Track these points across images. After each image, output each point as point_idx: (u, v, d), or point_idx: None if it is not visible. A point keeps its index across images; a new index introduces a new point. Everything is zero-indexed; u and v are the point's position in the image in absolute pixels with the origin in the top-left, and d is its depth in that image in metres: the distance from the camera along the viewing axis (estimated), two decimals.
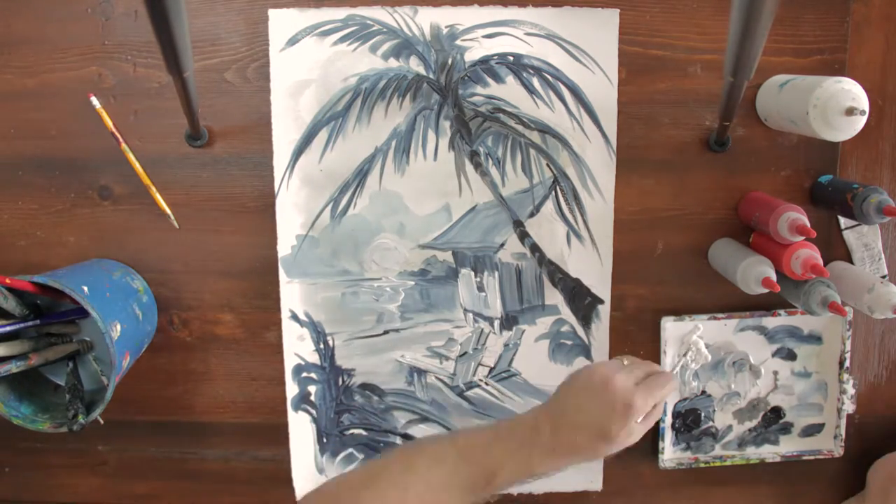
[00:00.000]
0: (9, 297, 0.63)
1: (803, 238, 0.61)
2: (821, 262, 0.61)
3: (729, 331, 0.73)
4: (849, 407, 0.75)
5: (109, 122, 0.68)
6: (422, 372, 0.74)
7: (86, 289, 0.61)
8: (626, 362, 0.59)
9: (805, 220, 0.61)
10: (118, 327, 0.62)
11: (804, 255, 0.62)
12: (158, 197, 0.70)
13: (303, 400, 0.74)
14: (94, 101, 0.68)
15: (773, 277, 0.62)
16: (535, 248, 0.72)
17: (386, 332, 0.73)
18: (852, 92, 0.57)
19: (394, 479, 0.55)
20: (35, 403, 0.67)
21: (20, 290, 0.63)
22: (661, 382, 0.57)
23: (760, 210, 0.65)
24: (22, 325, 0.65)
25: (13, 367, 0.63)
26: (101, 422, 0.65)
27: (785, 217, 0.62)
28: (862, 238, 0.72)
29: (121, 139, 0.68)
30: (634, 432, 0.55)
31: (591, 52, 0.68)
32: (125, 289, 0.68)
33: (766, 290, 0.62)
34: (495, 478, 0.55)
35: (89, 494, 0.77)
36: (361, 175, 0.70)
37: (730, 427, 0.76)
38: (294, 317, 0.73)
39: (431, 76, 0.69)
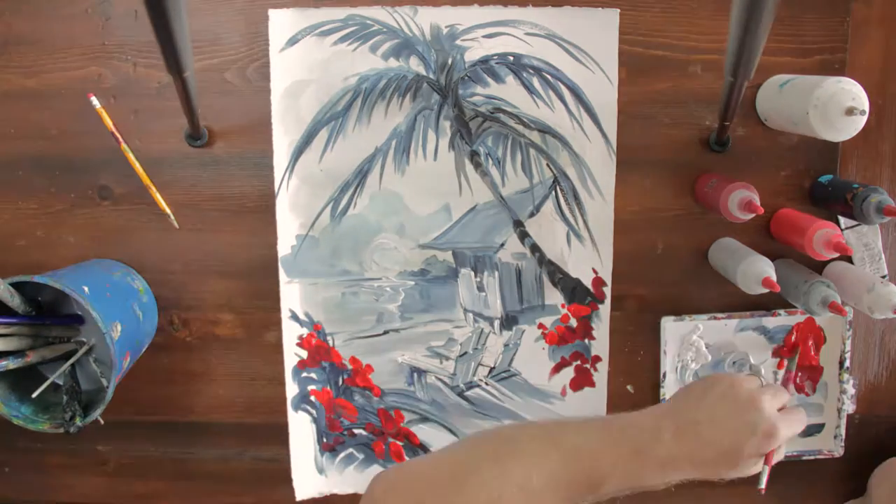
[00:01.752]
0: (15, 295, 0.63)
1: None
2: (843, 240, 0.60)
3: (729, 331, 0.73)
4: (849, 407, 0.75)
5: (109, 122, 0.68)
6: (422, 372, 0.74)
7: (86, 289, 0.61)
8: (762, 382, 0.53)
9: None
10: (119, 327, 0.62)
11: (826, 234, 0.61)
12: (158, 197, 0.70)
13: (303, 400, 0.74)
14: (94, 101, 0.68)
15: (774, 277, 0.62)
16: (535, 248, 0.72)
17: (386, 332, 0.73)
18: (852, 92, 0.57)
19: (485, 482, 0.47)
20: (35, 403, 0.67)
21: (24, 289, 0.63)
22: (802, 418, 0.52)
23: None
24: (19, 319, 0.65)
25: (10, 364, 0.63)
26: (102, 422, 0.65)
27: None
28: (862, 238, 0.72)
29: (121, 139, 0.68)
30: (759, 465, 0.51)
31: (591, 52, 0.68)
32: (125, 289, 0.68)
33: (766, 290, 0.62)
34: (601, 487, 0.48)
35: (89, 494, 0.77)
36: (361, 175, 0.70)
37: None
38: (294, 317, 0.73)
39: (431, 76, 0.69)
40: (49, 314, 0.69)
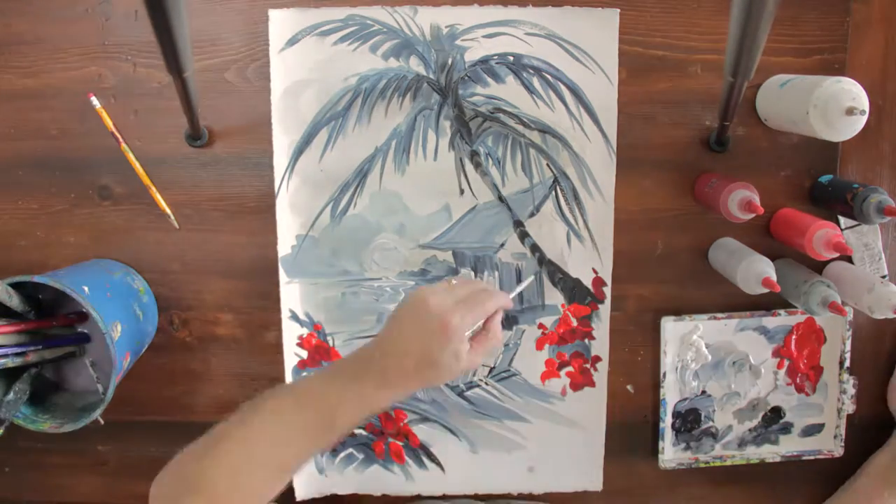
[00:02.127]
0: (13, 295, 0.63)
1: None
2: (843, 240, 0.61)
3: (729, 331, 0.73)
4: (849, 407, 0.75)
5: (109, 122, 0.68)
6: None
7: (86, 289, 0.61)
8: (453, 282, 0.57)
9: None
10: (119, 327, 0.62)
11: (826, 234, 0.61)
12: (158, 197, 0.70)
13: None
14: (94, 100, 0.68)
15: (774, 277, 0.62)
16: (535, 248, 0.72)
17: None
18: (852, 92, 0.57)
19: (234, 441, 0.52)
20: (35, 403, 0.67)
21: (24, 289, 0.63)
22: (482, 299, 0.55)
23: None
24: (23, 324, 0.65)
25: (9, 362, 0.63)
26: (101, 422, 0.65)
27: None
28: (862, 238, 0.72)
29: (121, 139, 0.68)
30: (462, 356, 0.53)
31: (591, 52, 0.68)
32: (126, 289, 0.68)
33: (766, 290, 0.62)
34: (335, 419, 0.53)
35: (89, 494, 0.77)
36: (361, 175, 0.70)
37: (730, 427, 0.76)
38: (294, 317, 0.73)
39: (431, 76, 0.69)
40: (49, 314, 0.69)
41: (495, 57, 0.69)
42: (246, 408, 0.55)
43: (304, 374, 0.74)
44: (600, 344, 0.74)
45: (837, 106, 0.56)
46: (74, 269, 0.68)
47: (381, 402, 0.55)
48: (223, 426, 0.54)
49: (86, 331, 0.70)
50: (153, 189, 0.70)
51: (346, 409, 0.53)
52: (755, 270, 0.63)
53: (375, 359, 0.54)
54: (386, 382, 0.54)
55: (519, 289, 0.66)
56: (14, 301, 0.63)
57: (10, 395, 0.65)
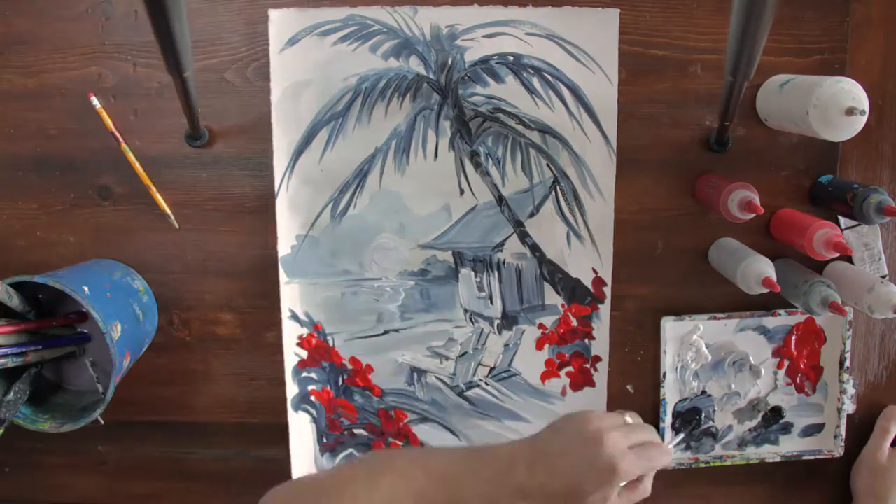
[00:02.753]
0: (13, 295, 0.63)
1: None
2: (843, 240, 0.60)
3: (729, 331, 0.73)
4: (849, 407, 0.75)
5: (109, 122, 0.68)
6: (422, 372, 0.74)
7: (86, 289, 0.61)
8: (628, 420, 0.55)
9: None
10: (119, 327, 0.62)
11: (826, 234, 0.61)
12: (158, 197, 0.70)
13: (303, 400, 0.74)
14: (94, 100, 0.68)
15: (774, 277, 0.62)
16: (535, 248, 0.72)
17: (386, 332, 0.73)
18: (852, 92, 0.57)
19: (357, 494, 0.52)
20: (35, 403, 0.67)
21: (24, 288, 0.63)
22: (658, 454, 0.53)
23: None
24: (23, 324, 0.65)
25: (9, 362, 0.63)
26: (101, 422, 0.65)
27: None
28: (862, 238, 0.72)
29: (121, 139, 0.68)
30: (610, 502, 0.50)
31: (591, 52, 0.68)
32: (126, 289, 0.68)
33: (766, 290, 0.62)
34: None
35: (89, 494, 0.77)
36: (361, 175, 0.70)
37: (730, 427, 0.76)
38: (294, 317, 0.73)
39: (431, 76, 0.69)
40: (49, 314, 0.69)
41: (495, 57, 0.69)
42: (377, 462, 0.55)
43: (304, 373, 0.74)
44: (600, 344, 0.74)
45: (837, 106, 0.56)
46: (74, 269, 0.68)
47: None
48: (351, 472, 0.55)
49: (86, 331, 0.70)
50: (153, 189, 0.70)
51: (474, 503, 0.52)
52: (755, 270, 0.63)
53: (520, 467, 0.52)
54: (525, 493, 0.51)
55: (674, 441, 0.69)
56: (14, 301, 0.63)
57: (11, 395, 0.65)
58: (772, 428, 0.76)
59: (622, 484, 0.51)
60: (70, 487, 0.77)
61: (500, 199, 0.71)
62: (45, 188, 0.70)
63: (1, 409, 0.64)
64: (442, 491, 0.52)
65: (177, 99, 0.58)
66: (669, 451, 0.55)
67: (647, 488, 0.54)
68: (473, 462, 0.54)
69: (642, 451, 0.52)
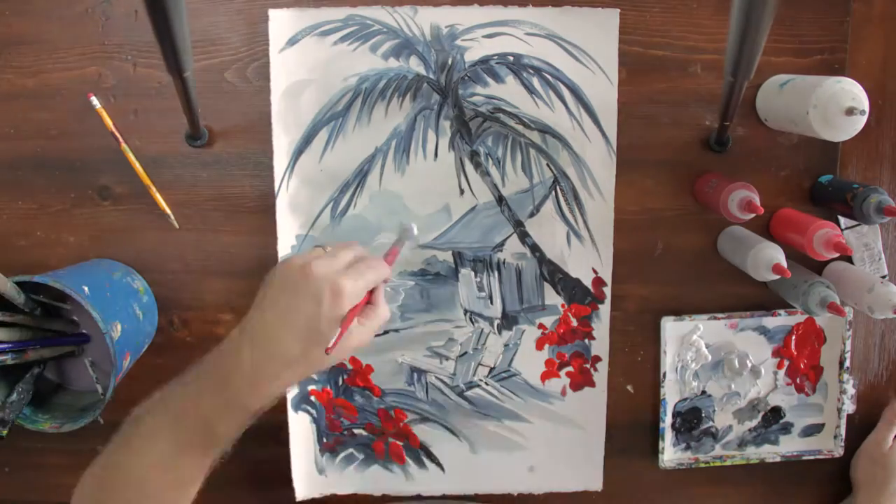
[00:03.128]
0: (21, 293, 0.63)
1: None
2: (843, 240, 0.60)
3: (729, 331, 0.73)
4: (849, 407, 0.75)
5: (109, 122, 0.68)
6: (422, 372, 0.74)
7: (86, 289, 0.61)
8: (328, 248, 0.51)
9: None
10: (119, 327, 0.62)
11: (826, 234, 0.61)
12: (158, 197, 0.70)
13: (303, 400, 0.74)
14: (94, 101, 0.68)
15: (784, 263, 0.62)
16: (535, 248, 0.72)
17: (386, 332, 0.73)
18: (852, 92, 0.57)
19: (123, 471, 0.49)
20: (35, 403, 0.67)
21: (24, 288, 0.63)
22: (372, 265, 0.50)
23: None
24: (20, 316, 0.65)
25: (8, 360, 0.63)
26: (101, 421, 0.65)
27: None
28: (862, 238, 0.72)
29: (121, 139, 0.68)
30: (352, 330, 0.47)
31: (591, 52, 0.68)
32: (126, 289, 0.68)
33: (776, 277, 0.62)
34: (215, 433, 0.48)
35: None
36: (361, 175, 0.70)
37: (730, 427, 0.76)
38: None
39: (431, 76, 0.69)
40: (49, 314, 0.69)
41: (495, 57, 0.69)
42: (127, 429, 0.51)
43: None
44: (600, 344, 0.74)
45: (837, 106, 0.56)
46: (74, 270, 0.68)
47: (257, 401, 0.48)
48: (112, 453, 0.51)
49: (85, 331, 0.70)
50: (153, 189, 0.70)
51: (224, 420, 0.48)
52: (765, 257, 0.63)
53: (244, 353, 0.47)
54: (260, 378, 0.47)
55: (402, 248, 0.61)
56: (21, 299, 0.63)
57: (14, 396, 0.65)
58: (772, 428, 0.76)
59: (351, 306, 0.48)
60: (70, 487, 0.77)
61: (500, 199, 0.71)
62: (45, 188, 0.70)
63: (4, 409, 0.64)
64: (190, 426, 0.48)
65: (177, 99, 0.58)
66: (381, 260, 0.52)
67: (384, 306, 0.51)
68: (204, 376, 0.50)
69: (358, 266, 0.49)
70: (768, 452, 0.76)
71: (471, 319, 0.73)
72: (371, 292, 0.51)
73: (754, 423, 0.75)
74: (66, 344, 0.69)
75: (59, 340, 0.68)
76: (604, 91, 0.69)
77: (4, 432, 0.63)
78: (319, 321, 0.46)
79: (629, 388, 0.75)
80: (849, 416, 0.75)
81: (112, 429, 0.72)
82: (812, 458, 0.76)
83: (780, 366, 0.74)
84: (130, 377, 0.72)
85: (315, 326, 0.46)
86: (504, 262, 0.72)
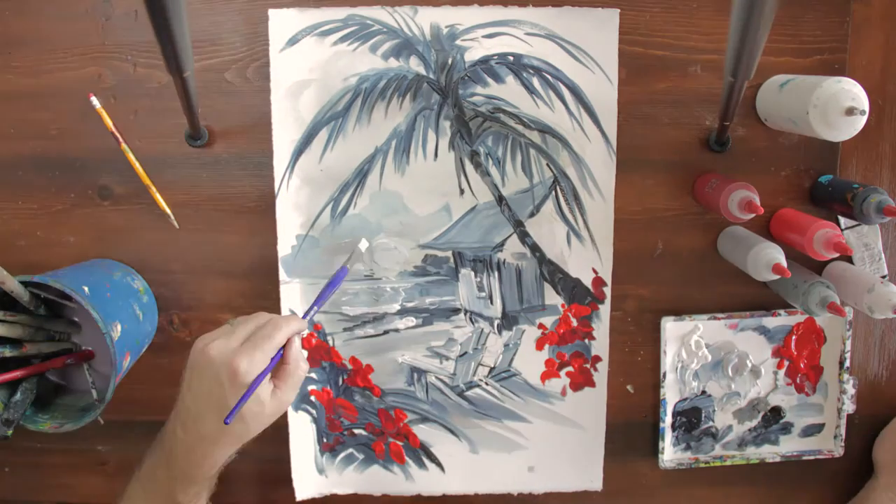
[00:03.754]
0: (25, 291, 0.63)
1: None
2: (843, 240, 0.60)
3: (729, 331, 0.73)
4: (849, 407, 0.75)
5: (109, 122, 0.68)
6: (422, 372, 0.74)
7: (86, 289, 0.61)
8: (233, 322, 0.54)
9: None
10: (119, 327, 0.62)
11: (826, 234, 0.61)
12: (158, 197, 0.70)
13: (303, 400, 0.74)
14: (95, 101, 0.68)
15: (784, 263, 0.62)
16: (535, 248, 0.72)
17: (386, 332, 0.73)
18: (852, 92, 0.57)
19: None
20: (36, 403, 0.67)
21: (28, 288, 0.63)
22: (267, 332, 0.52)
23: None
24: (19, 315, 0.65)
25: (6, 352, 0.63)
26: (101, 421, 0.65)
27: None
28: (862, 238, 0.72)
29: (121, 139, 0.68)
30: (265, 399, 0.51)
31: (591, 52, 0.68)
32: (126, 289, 0.68)
33: (776, 277, 0.62)
34: (177, 497, 0.54)
35: (89, 494, 0.77)
36: (361, 175, 0.70)
37: (730, 427, 0.76)
38: None
39: (431, 76, 0.69)
40: (51, 313, 0.69)
41: (495, 57, 0.69)
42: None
43: None
44: (600, 344, 0.74)
45: (837, 106, 0.56)
46: (75, 270, 0.68)
47: (204, 475, 0.54)
48: None
49: (86, 330, 0.70)
50: (153, 189, 0.70)
51: (178, 485, 0.54)
52: (765, 257, 0.63)
53: (178, 434, 0.53)
54: (194, 457, 0.52)
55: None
56: (26, 296, 0.63)
57: (18, 395, 0.65)
58: (772, 428, 0.76)
59: (250, 381, 0.50)
60: (70, 487, 0.77)
61: (500, 199, 0.71)
62: (45, 188, 0.70)
63: (8, 409, 0.64)
64: (156, 494, 0.55)
65: (177, 99, 0.58)
66: (282, 319, 0.54)
67: (297, 362, 0.54)
68: (158, 448, 0.56)
69: (253, 338, 0.52)
70: (768, 452, 0.76)
71: (471, 319, 0.73)
72: (286, 351, 0.54)
73: (754, 423, 0.76)
74: (68, 357, 0.68)
75: (62, 354, 0.68)
76: (604, 91, 0.69)
77: (9, 432, 0.63)
78: (227, 400, 0.49)
79: (629, 388, 0.75)
80: (849, 416, 0.75)
81: (112, 428, 0.73)
82: (812, 458, 0.76)
83: (780, 366, 0.74)
84: (131, 378, 0.72)
85: (225, 405, 0.49)
86: (504, 262, 0.72)
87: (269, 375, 0.52)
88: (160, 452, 0.55)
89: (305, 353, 0.56)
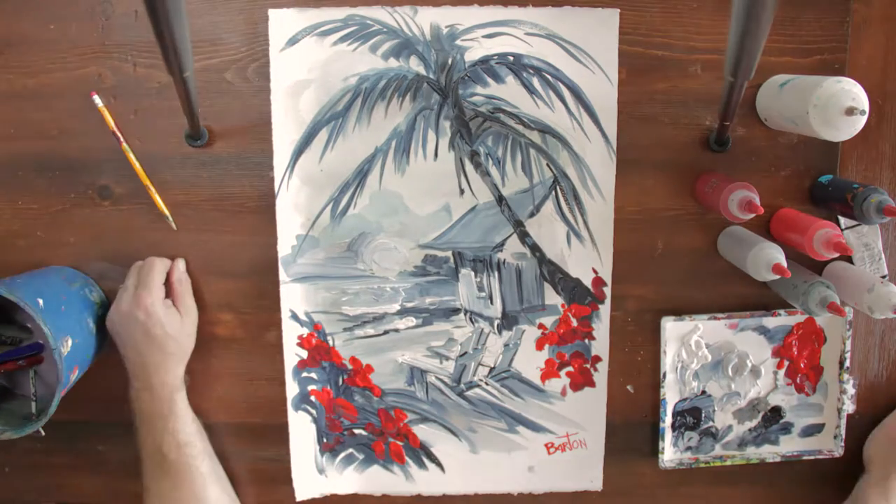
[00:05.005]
0: None
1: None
2: (843, 240, 0.60)
3: (729, 331, 0.73)
4: (849, 407, 0.75)
5: (111, 121, 0.68)
6: (422, 372, 0.74)
7: (41, 301, 0.60)
8: (125, 284, 0.67)
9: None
10: (69, 342, 0.61)
11: (826, 234, 0.61)
12: (157, 198, 0.70)
13: (303, 400, 0.74)
14: (97, 99, 0.68)
15: (784, 263, 0.62)
16: (535, 248, 0.72)
17: (386, 332, 0.73)
18: (852, 92, 0.57)
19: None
20: None
21: None
22: (145, 271, 0.67)
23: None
24: None
25: None
26: (42, 433, 0.64)
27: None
28: (862, 238, 0.72)
29: (122, 138, 0.68)
30: (174, 317, 0.67)
31: (591, 52, 0.68)
32: (82, 302, 0.67)
33: (776, 277, 0.62)
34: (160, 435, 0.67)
35: (89, 494, 0.77)
36: (361, 175, 0.70)
37: (730, 427, 0.76)
38: (294, 317, 0.73)
39: (431, 76, 0.69)
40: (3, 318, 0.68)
41: (495, 57, 0.69)
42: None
43: (304, 373, 0.74)
44: (600, 344, 0.74)
45: (837, 106, 0.56)
46: (32, 278, 0.66)
47: (170, 396, 0.68)
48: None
49: (39, 340, 0.69)
50: (152, 189, 0.70)
51: (166, 426, 0.67)
52: (765, 257, 0.63)
53: (136, 388, 0.67)
54: (158, 390, 0.67)
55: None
56: None
57: None
58: (772, 428, 0.76)
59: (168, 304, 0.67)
60: (70, 487, 0.77)
61: (500, 199, 0.71)
62: (45, 188, 0.70)
63: None
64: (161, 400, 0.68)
65: (177, 99, 0.58)
66: (150, 261, 0.68)
67: (180, 280, 0.69)
68: (139, 419, 0.68)
69: (141, 281, 0.67)
70: (768, 452, 0.76)
71: (471, 319, 0.73)
72: (169, 279, 0.69)
73: (754, 423, 0.75)
74: (17, 357, 0.67)
75: (10, 354, 0.67)
76: (604, 91, 0.69)
77: None
78: (152, 329, 0.65)
79: (629, 388, 0.75)
80: (849, 416, 0.75)
81: (112, 428, 0.73)
82: (812, 458, 0.76)
83: (780, 366, 0.74)
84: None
85: (153, 334, 0.66)
86: (504, 262, 0.72)
87: (167, 303, 0.67)
88: (137, 417, 0.68)
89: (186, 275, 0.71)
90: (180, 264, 0.70)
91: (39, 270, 0.69)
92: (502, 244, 0.72)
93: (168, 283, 0.69)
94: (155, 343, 0.66)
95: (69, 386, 0.63)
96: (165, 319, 0.66)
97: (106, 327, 0.68)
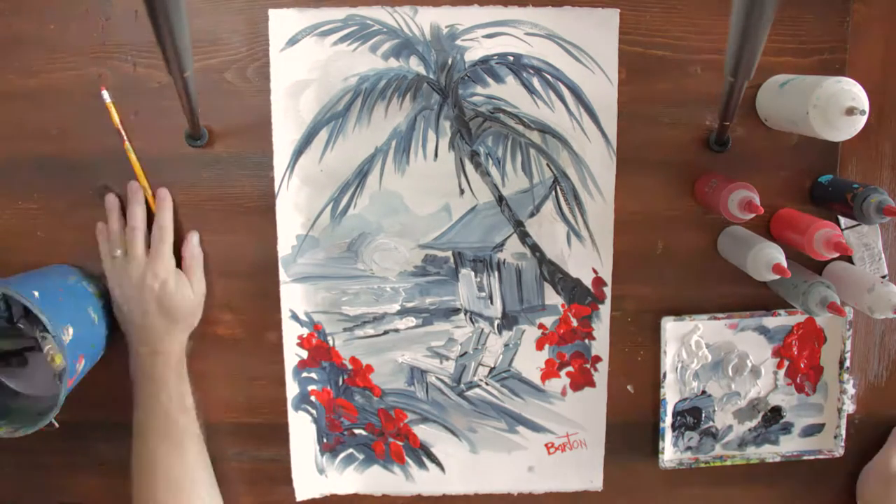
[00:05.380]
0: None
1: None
2: (843, 240, 0.60)
3: (729, 331, 0.73)
4: (849, 407, 0.75)
5: (116, 119, 0.68)
6: (422, 372, 0.74)
7: (36, 293, 0.60)
8: (117, 253, 0.68)
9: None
10: (70, 331, 0.61)
11: (826, 234, 0.61)
12: (152, 200, 0.70)
13: (303, 400, 0.74)
14: (106, 94, 0.67)
15: (784, 263, 0.62)
16: (535, 248, 0.72)
17: (386, 332, 0.73)
18: (852, 92, 0.57)
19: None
20: None
21: None
22: (158, 241, 0.68)
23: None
24: None
25: None
26: (56, 425, 0.65)
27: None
28: (862, 238, 0.72)
29: (125, 137, 0.68)
30: (187, 288, 0.68)
31: (591, 52, 0.68)
32: (80, 293, 0.67)
33: (776, 277, 0.62)
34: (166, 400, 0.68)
35: (89, 494, 0.77)
36: (361, 175, 0.70)
37: (730, 427, 0.76)
38: (294, 317, 0.73)
39: (431, 76, 0.69)
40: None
41: (495, 57, 0.69)
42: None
43: (304, 374, 0.74)
44: (600, 344, 0.74)
45: (837, 106, 0.56)
46: (29, 275, 0.66)
47: (177, 364, 0.69)
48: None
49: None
50: (148, 192, 0.69)
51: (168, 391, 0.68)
52: (765, 257, 0.63)
53: (142, 353, 0.67)
54: (165, 354, 0.68)
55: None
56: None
57: None
58: (772, 428, 0.76)
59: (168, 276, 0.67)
60: (70, 487, 0.77)
61: (500, 199, 0.71)
62: (45, 188, 0.70)
63: None
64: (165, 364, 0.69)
65: (177, 99, 0.58)
66: (161, 232, 0.68)
67: (194, 255, 0.70)
68: (141, 387, 0.69)
69: (152, 254, 0.68)
70: (768, 452, 0.76)
71: (471, 319, 0.73)
72: (183, 247, 0.70)
73: (754, 423, 0.76)
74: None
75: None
76: (604, 91, 0.69)
77: None
78: (167, 300, 0.67)
79: (629, 388, 0.75)
80: (849, 416, 0.75)
81: (112, 428, 0.73)
82: (812, 458, 0.76)
83: (780, 366, 0.74)
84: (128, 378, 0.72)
85: (168, 305, 0.67)
86: (504, 262, 0.72)
87: (179, 273, 0.68)
88: (143, 382, 0.68)
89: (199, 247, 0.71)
90: (193, 237, 0.70)
91: (35, 270, 0.69)
92: (502, 244, 0.72)
93: (180, 255, 0.70)
94: (167, 312, 0.67)
95: (78, 377, 0.63)
96: (177, 289, 0.67)
97: (108, 320, 0.68)
